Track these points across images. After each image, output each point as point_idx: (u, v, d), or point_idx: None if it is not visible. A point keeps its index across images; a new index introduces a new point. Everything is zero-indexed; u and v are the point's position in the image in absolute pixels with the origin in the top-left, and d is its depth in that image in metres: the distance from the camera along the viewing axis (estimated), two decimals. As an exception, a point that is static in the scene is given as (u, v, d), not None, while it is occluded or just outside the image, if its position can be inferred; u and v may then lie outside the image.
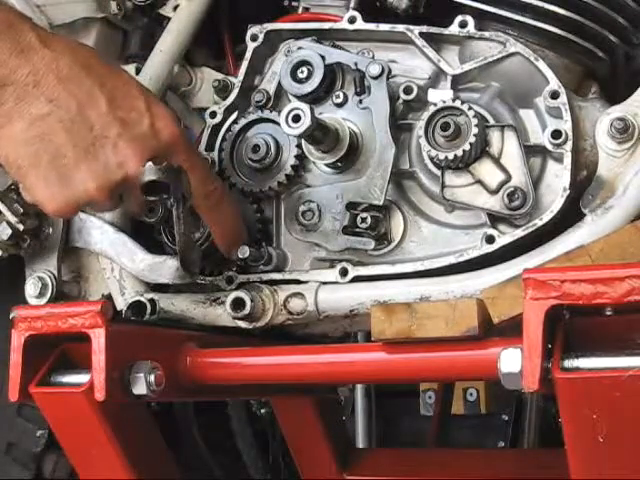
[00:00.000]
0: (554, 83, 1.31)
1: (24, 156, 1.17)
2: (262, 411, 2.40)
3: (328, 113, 1.39)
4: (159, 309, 1.44)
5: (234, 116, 1.48)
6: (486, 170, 1.31)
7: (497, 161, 1.31)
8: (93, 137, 1.18)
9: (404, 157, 1.39)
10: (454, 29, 1.38)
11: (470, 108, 1.29)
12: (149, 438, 1.33)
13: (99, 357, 1.17)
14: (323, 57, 1.38)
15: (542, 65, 1.33)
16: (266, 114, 1.43)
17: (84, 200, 1.20)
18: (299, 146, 1.39)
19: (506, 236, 1.30)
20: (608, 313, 1.02)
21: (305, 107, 1.27)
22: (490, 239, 1.30)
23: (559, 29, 1.36)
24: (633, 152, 1.28)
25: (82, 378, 1.20)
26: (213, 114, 1.49)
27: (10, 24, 1.16)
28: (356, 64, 1.39)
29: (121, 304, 1.48)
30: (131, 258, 1.46)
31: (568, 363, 1.01)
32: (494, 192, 1.30)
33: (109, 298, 1.49)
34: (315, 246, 1.40)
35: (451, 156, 1.28)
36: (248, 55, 1.48)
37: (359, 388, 2.82)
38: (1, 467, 1.70)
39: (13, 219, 1.43)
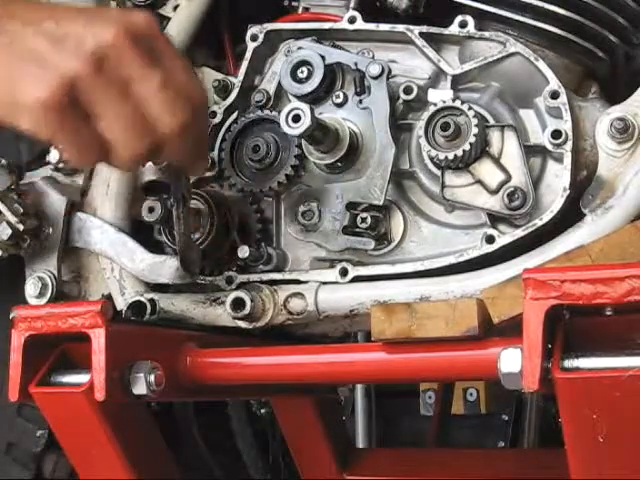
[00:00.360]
0: (554, 83, 1.31)
1: (3, 74, 1.15)
2: (262, 411, 2.40)
3: (328, 113, 1.39)
4: (159, 309, 1.44)
5: (234, 116, 1.48)
6: (486, 170, 1.31)
7: (497, 161, 1.31)
8: (44, 56, 1.16)
9: (404, 157, 1.39)
10: (454, 29, 1.38)
11: (470, 108, 1.29)
12: (149, 438, 1.33)
13: (99, 357, 1.17)
14: (323, 57, 1.38)
15: (542, 65, 1.33)
16: (266, 114, 1.43)
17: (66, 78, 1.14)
18: (299, 146, 1.39)
19: (506, 236, 1.30)
20: (608, 313, 1.02)
21: (305, 107, 1.27)
22: (490, 239, 1.30)
23: (559, 29, 1.36)
24: (633, 152, 1.28)
25: (82, 378, 1.20)
26: (213, 114, 1.49)
27: None
28: (356, 64, 1.39)
29: (121, 304, 1.48)
30: (131, 258, 1.46)
31: (568, 363, 1.01)
32: (494, 192, 1.30)
33: (109, 298, 1.49)
34: (315, 246, 1.40)
35: (451, 156, 1.28)
36: (248, 55, 1.48)
37: (359, 388, 2.82)
38: (1, 467, 1.70)
39: (13, 219, 1.43)
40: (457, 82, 1.38)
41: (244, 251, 1.38)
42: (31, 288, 1.48)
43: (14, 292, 1.53)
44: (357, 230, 1.36)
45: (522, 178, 1.30)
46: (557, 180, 1.31)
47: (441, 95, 1.34)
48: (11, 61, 1.17)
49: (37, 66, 1.16)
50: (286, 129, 1.28)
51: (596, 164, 1.29)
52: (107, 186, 1.51)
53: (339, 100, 1.40)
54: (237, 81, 1.49)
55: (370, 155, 1.37)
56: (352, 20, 1.43)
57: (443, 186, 1.32)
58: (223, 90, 1.50)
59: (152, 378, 1.20)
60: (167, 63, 1.18)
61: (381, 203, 1.35)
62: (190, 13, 1.58)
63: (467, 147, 1.28)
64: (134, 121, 1.15)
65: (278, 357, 1.32)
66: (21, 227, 1.44)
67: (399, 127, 1.39)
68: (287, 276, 1.40)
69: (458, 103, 1.30)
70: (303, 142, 1.38)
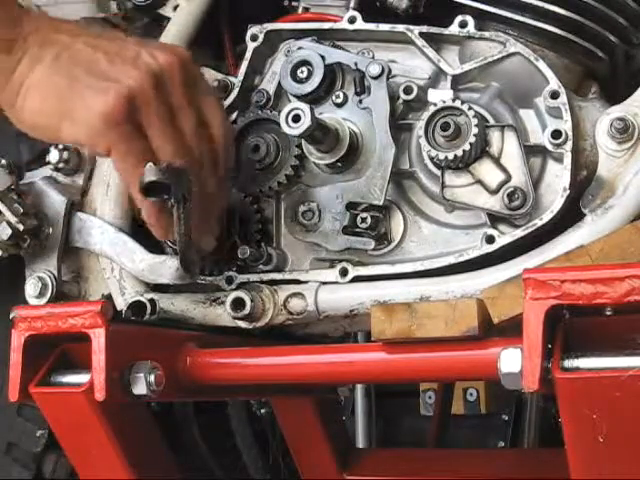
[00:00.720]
0: (554, 83, 1.31)
1: (60, 84, 1.19)
2: (262, 411, 2.40)
3: (328, 113, 1.39)
4: (159, 309, 1.44)
5: (234, 116, 1.48)
6: (486, 170, 1.31)
7: (497, 161, 1.31)
8: (102, 68, 1.20)
9: (404, 157, 1.39)
10: (454, 29, 1.38)
11: (470, 108, 1.29)
12: (149, 438, 1.33)
13: (99, 357, 1.17)
14: (323, 57, 1.38)
15: (542, 65, 1.33)
16: (266, 114, 1.43)
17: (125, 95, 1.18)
18: (299, 146, 1.39)
19: (506, 236, 1.30)
20: (608, 313, 1.02)
21: (305, 107, 1.27)
22: (490, 239, 1.30)
23: (559, 29, 1.36)
24: (633, 152, 1.28)
25: (82, 378, 1.20)
26: (213, 114, 1.49)
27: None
28: (356, 64, 1.39)
29: (121, 304, 1.47)
30: (131, 258, 1.46)
31: (568, 363, 1.01)
32: (494, 192, 1.30)
33: (109, 298, 1.49)
34: (315, 246, 1.40)
35: (451, 156, 1.28)
36: (248, 55, 1.48)
37: (359, 388, 2.82)
38: (1, 467, 1.70)
39: (13, 219, 1.43)
40: (457, 82, 1.38)
41: (244, 251, 1.38)
42: (31, 288, 1.48)
43: (14, 292, 1.53)
44: (357, 230, 1.36)
45: (522, 178, 1.30)
46: (557, 180, 1.31)
47: (441, 95, 1.34)
48: (65, 72, 1.18)
49: (97, 78, 1.18)
50: (286, 129, 1.28)
51: (596, 164, 1.29)
52: (107, 186, 1.51)
53: (339, 100, 1.40)
54: (237, 81, 1.49)
55: (370, 155, 1.37)
56: (352, 20, 1.43)
57: (443, 186, 1.32)
58: (223, 90, 1.50)
59: (152, 378, 1.20)
60: (201, 101, 1.26)
61: (381, 203, 1.35)
62: (190, 13, 1.58)
63: (467, 147, 1.28)
64: (182, 144, 1.23)
65: (278, 357, 1.32)
66: (21, 227, 1.44)
67: (399, 127, 1.39)
68: (287, 276, 1.40)
69: (458, 103, 1.30)
70: (303, 142, 1.38)
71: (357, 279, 1.36)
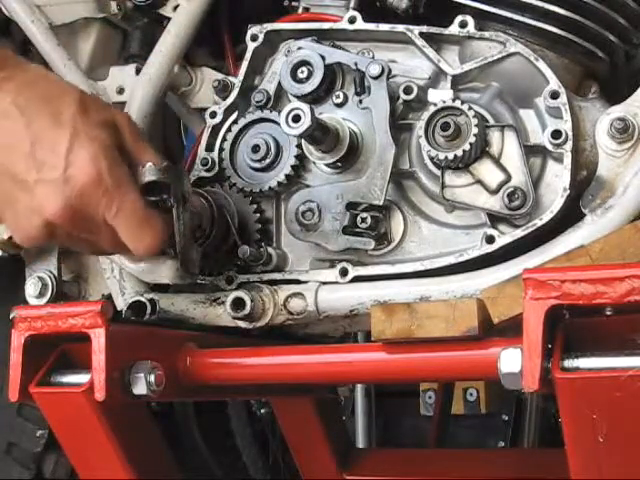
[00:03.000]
0: (554, 83, 1.31)
1: None
2: (262, 411, 2.40)
3: (328, 113, 1.39)
4: (159, 309, 1.44)
5: (234, 116, 1.48)
6: (486, 170, 1.31)
7: (497, 161, 1.31)
8: (18, 181, 1.19)
9: (404, 157, 1.39)
10: (454, 29, 1.38)
11: (470, 108, 1.29)
12: (149, 438, 1.33)
13: (99, 357, 1.17)
14: (323, 57, 1.38)
15: (542, 65, 1.33)
16: (266, 114, 1.43)
17: (27, 242, 1.25)
18: (299, 146, 1.39)
19: (506, 236, 1.30)
20: (608, 313, 1.02)
21: (305, 107, 1.27)
22: (490, 239, 1.30)
23: (559, 29, 1.36)
24: (633, 152, 1.28)
25: (82, 378, 1.20)
26: (213, 114, 1.49)
27: None
28: (356, 64, 1.39)
29: (121, 304, 1.48)
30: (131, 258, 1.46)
31: (568, 363, 1.01)
32: (494, 192, 1.30)
33: (109, 298, 1.49)
34: (315, 246, 1.40)
35: (451, 156, 1.28)
36: (248, 55, 1.48)
37: (359, 388, 2.82)
38: (1, 467, 1.70)
39: (13, 219, 1.43)
40: (457, 82, 1.38)
41: (244, 251, 1.38)
42: (31, 288, 1.48)
43: (14, 292, 1.53)
44: (357, 230, 1.36)
45: (522, 178, 1.30)
46: (557, 180, 1.31)
47: (441, 95, 1.34)
48: None
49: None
50: (286, 129, 1.28)
51: (596, 164, 1.29)
52: (107, 186, 1.51)
53: (339, 100, 1.40)
54: (237, 81, 1.49)
55: (370, 155, 1.37)
56: (352, 20, 1.43)
57: (443, 186, 1.32)
58: (223, 90, 1.50)
59: (152, 378, 1.20)
60: None
61: (381, 203, 1.35)
62: (190, 13, 1.58)
63: (467, 147, 1.28)
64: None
65: (278, 357, 1.32)
66: (21, 227, 1.44)
67: (399, 127, 1.39)
68: (287, 276, 1.40)
69: (458, 103, 1.30)
70: (303, 142, 1.38)
71: (357, 279, 1.36)
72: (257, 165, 1.41)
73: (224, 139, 1.46)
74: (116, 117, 1.26)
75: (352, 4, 1.48)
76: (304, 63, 1.39)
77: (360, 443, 2.79)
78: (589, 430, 1.01)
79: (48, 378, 1.23)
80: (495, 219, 1.32)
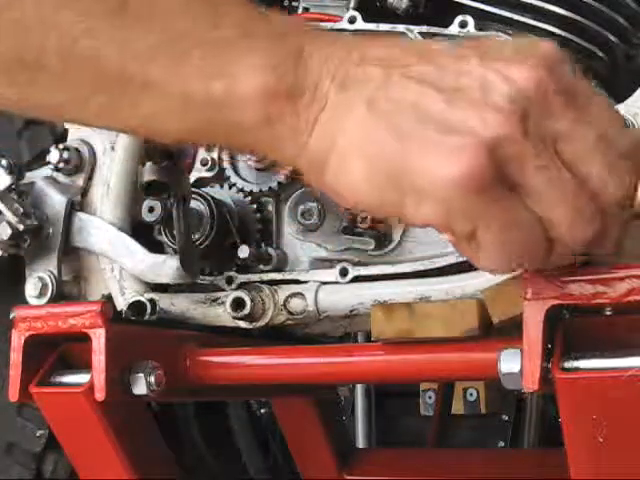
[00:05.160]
0: (554, 83, 1.31)
1: (385, 143, 0.83)
2: (262, 411, 2.40)
3: (328, 113, 1.39)
4: (159, 309, 1.44)
5: (234, 116, 1.48)
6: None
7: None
8: (439, 113, 0.83)
9: (404, 157, 1.39)
10: (454, 29, 1.38)
11: (470, 108, 1.29)
12: (149, 438, 1.33)
13: (99, 357, 1.17)
14: (323, 57, 1.38)
15: (542, 65, 1.32)
16: (266, 114, 1.43)
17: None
18: (299, 146, 1.39)
19: (506, 236, 1.29)
20: (608, 313, 1.02)
21: (305, 107, 1.26)
22: (490, 239, 1.30)
23: (559, 29, 1.36)
24: (633, 152, 1.27)
25: (82, 378, 1.20)
26: (213, 114, 1.49)
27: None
28: (356, 64, 1.39)
29: (121, 304, 1.47)
30: (131, 258, 1.46)
31: (568, 363, 1.01)
32: (494, 192, 1.30)
33: (109, 298, 1.49)
34: (315, 246, 1.40)
35: (451, 156, 1.28)
36: (248, 55, 1.48)
37: (359, 388, 2.82)
38: (1, 467, 1.70)
39: (13, 219, 1.43)
40: (457, 82, 1.37)
41: (244, 251, 1.38)
42: (31, 288, 1.47)
43: (14, 292, 1.53)
44: (357, 230, 1.36)
45: (522, 178, 1.29)
46: (557, 180, 1.30)
47: (441, 95, 1.34)
48: (387, 124, 0.82)
49: (436, 130, 0.82)
50: (286, 129, 1.27)
51: (596, 164, 1.29)
52: (107, 186, 1.51)
53: (339, 100, 1.39)
54: (237, 81, 1.49)
55: (370, 155, 1.36)
56: (352, 20, 1.43)
57: (443, 186, 1.32)
58: (223, 90, 1.50)
59: (152, 378, 1.20)
60: (591, 110, 0.85)
61: (381, 203, 1.34)
62: (190, 13, 1.58)
63: (467, 147, 1.28)
64: (579, 198, 0.83)
65: (278, 357, 1.32)
66: (21, 227, 1.44)
67: (399, 127, 1.38)
68: (287, 276, 1.40)
69: (458, 103, 1.30)
70: (303, 142, 1.37)
71: (357, 279, 1.36)
72: (257, 165, 1.41)
73: (224, 139, 1.45)
74: None
75: (352, 4, 1.48)
76: (304, 63, 1.39)
77: (360, 443, 2.78)
78: (589, 430, 1.01)
79: (48, 378, 1.23)
80: (495, 219, 1.32)
